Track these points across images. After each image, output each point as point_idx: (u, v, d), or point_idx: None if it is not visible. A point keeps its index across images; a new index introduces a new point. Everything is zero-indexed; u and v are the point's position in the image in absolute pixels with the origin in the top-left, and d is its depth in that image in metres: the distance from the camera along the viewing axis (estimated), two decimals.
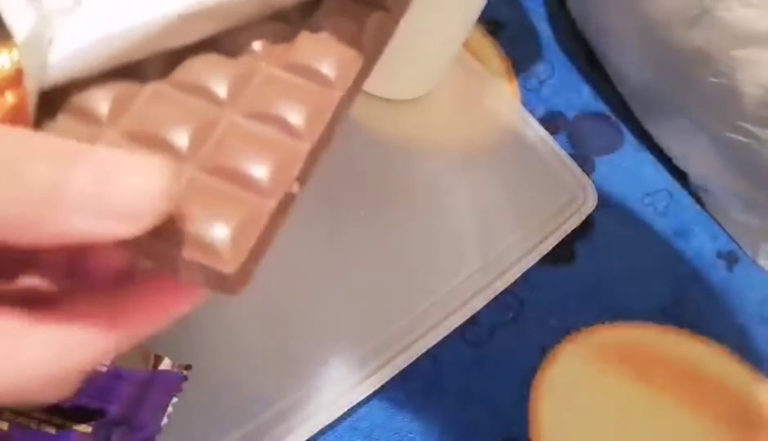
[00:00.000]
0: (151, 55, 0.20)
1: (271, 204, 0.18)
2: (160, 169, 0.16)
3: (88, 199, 0.15)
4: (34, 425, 0.29)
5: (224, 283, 0.17)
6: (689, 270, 0.46)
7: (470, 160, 0.46)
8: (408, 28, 0.25)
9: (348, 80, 0.21)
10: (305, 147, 0.19)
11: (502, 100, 0.49)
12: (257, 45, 0.21)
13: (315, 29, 0.21)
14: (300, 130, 0.20)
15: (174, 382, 0.33)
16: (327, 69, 0.21)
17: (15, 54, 0.18)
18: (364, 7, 0.22)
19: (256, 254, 0.18)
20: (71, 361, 0.17)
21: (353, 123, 0.44)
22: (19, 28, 0.17)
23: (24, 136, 0.16)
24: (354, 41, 0.21)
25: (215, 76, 0.20)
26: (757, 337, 0.44)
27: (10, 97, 0.18)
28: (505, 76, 0.51)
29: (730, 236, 0.48)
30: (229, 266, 0.17)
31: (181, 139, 0.19)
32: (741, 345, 0.43)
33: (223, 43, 0.21)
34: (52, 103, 0.19)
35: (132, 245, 0.16)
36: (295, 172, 0.19)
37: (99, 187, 0.15)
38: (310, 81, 0.20)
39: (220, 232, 0.17)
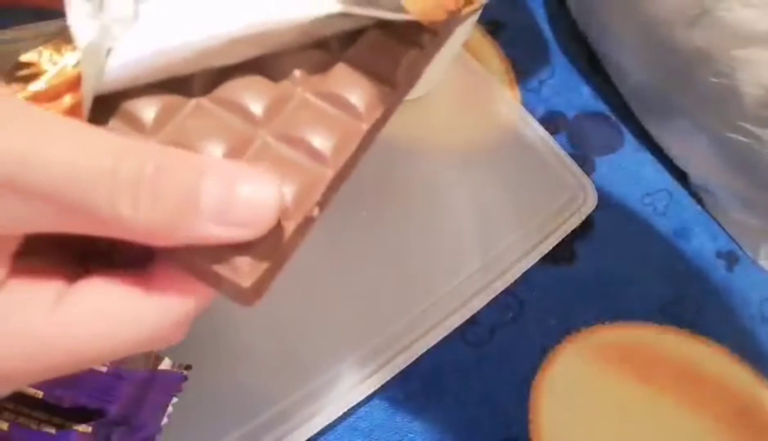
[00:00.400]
0: (199, 70, 0.21)
1: (291, 226, 0.19)
2: (273, 181, 0.18)
3: (217, 208, 0.17)
4: (34, 425, 0.29)
5: (241, 295, 0.18)
6: (689, 270, 0.46)
7: (470, 160, 0.46)
8: None
9: (376, 113, 0.22)
10: (329, 174, 0.20)
11: (502, 100, 0.49)
12: (296, 70, 0.22)
13: (351, 61, 0.22)
14: (325, 157, 0.20)
15: (174, 382, 0.33)
16: (357, 100, 0.21)
17: (77, 57, 0.19)
18: (400, 44, 0.23)
19: (272, 272, 0.19)
20: (181, 315, 0.19)
21: None
22: (81, 37, 0.19)
23: (158, 150, 0.17)
24: (386, 76, 0.22)
25: (254, 96, 0.21)
26: (757, 337, 0.44)
27: (68, 99, 0.19)
28: (505, 76, 0.51)
29: (730, 236, 0.48)
30: (246, 280, 0.18)
31: (215, 154, 0.20)
32: (741, 345, 0.43)
33: (266, 65, 0.22)
34: (104, 106, 0.20)
35: (164, 250, 0.18)
36: (317, 196, 0.20)
37: (226, 198, 0.17)
38: (340, 110, 0.21)
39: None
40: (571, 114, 0.51)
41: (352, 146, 0.21)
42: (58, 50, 0.19)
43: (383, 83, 0.22)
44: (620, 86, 0.51)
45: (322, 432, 0.36)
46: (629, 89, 0.51)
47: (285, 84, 0.22)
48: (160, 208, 0.17)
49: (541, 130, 0.48)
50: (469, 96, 0.49)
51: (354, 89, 0.22)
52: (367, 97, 0.22)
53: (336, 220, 0.42)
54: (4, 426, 0.29)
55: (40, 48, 0.19)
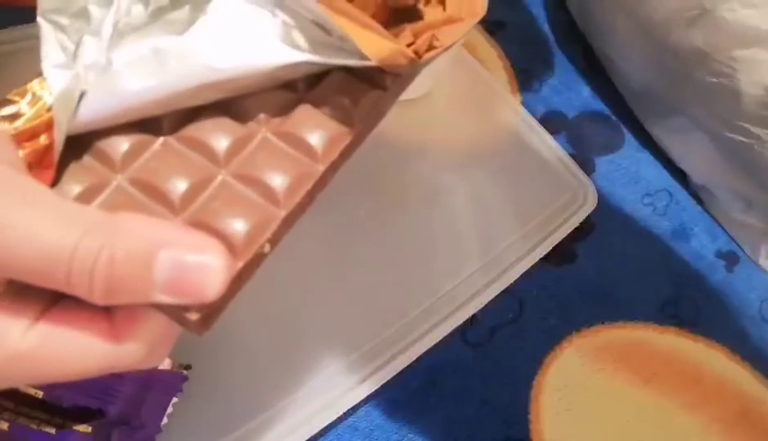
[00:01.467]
0: (168, 111, 0.22)
1: (239, 265, 0.20)
2: (223, 253, 0.19)
3: (168, 285, 0.18)
4: (34, 425, 0.29)
5: (190, 326, 0.19)
6: (689, 270, 0.46)
7: (470, 160, 0.46)
8: None
9: (333, 154, 0.22)
10: (281, 214, 0.21)
11: (502, 100, 0.49)
12: (262, 110, 0.23)
13: (314, 102, 0.23)
14: (279, 197, 0.21)
15: (174, 382, 0.33)
16: (316, 141, 0.22)
17: (51, 101, 0.21)
18: (362, 85, 0.23)
19: (219, 306, 0.20)
20: (169, 341, 0.21)
21: None
22: (55, 86, 0.21)
23: (118, 228, 0.18)
24: (346, 118, 0.23)
25: (219, 136, 0.22)
26: (757, 337, 0.44)
27: (43, 139, 0.21)
28: (506, 76, 0.51)
29: (730, 236, 0.48)
30: (194, 314, 0.19)
31: (176, 192, 0.21)
32: (741, 345, 0.43)
33: (233, 105, 0.23)
34: (78, 142, 0.22)
35: None
36: (268, 234, 0.21)
37: (178, 276, 0.18)
38: (298, 151, 0.22)
39: None
40: (571, 114, 0.51)
41: (307, 187, 0.22)
42: (42, 86, 0.21)
43: (344, 124, 0.23)
44: (620, 86, 0.52)
45: (322, 432, 0.36)
46: (629, 89, 0.51)
47: (249, 124, 0.23)
48: (114, 289, 0.18)
49: (541, 131, 0.48)
50: (469, 96, 0.49)
51: (314, 130, 0.22)
52: (327, 138, 0.22)
53: (334, 220, 0.42)
54: (5, 426, 0.29)
55: (26, 86, 0.21)
